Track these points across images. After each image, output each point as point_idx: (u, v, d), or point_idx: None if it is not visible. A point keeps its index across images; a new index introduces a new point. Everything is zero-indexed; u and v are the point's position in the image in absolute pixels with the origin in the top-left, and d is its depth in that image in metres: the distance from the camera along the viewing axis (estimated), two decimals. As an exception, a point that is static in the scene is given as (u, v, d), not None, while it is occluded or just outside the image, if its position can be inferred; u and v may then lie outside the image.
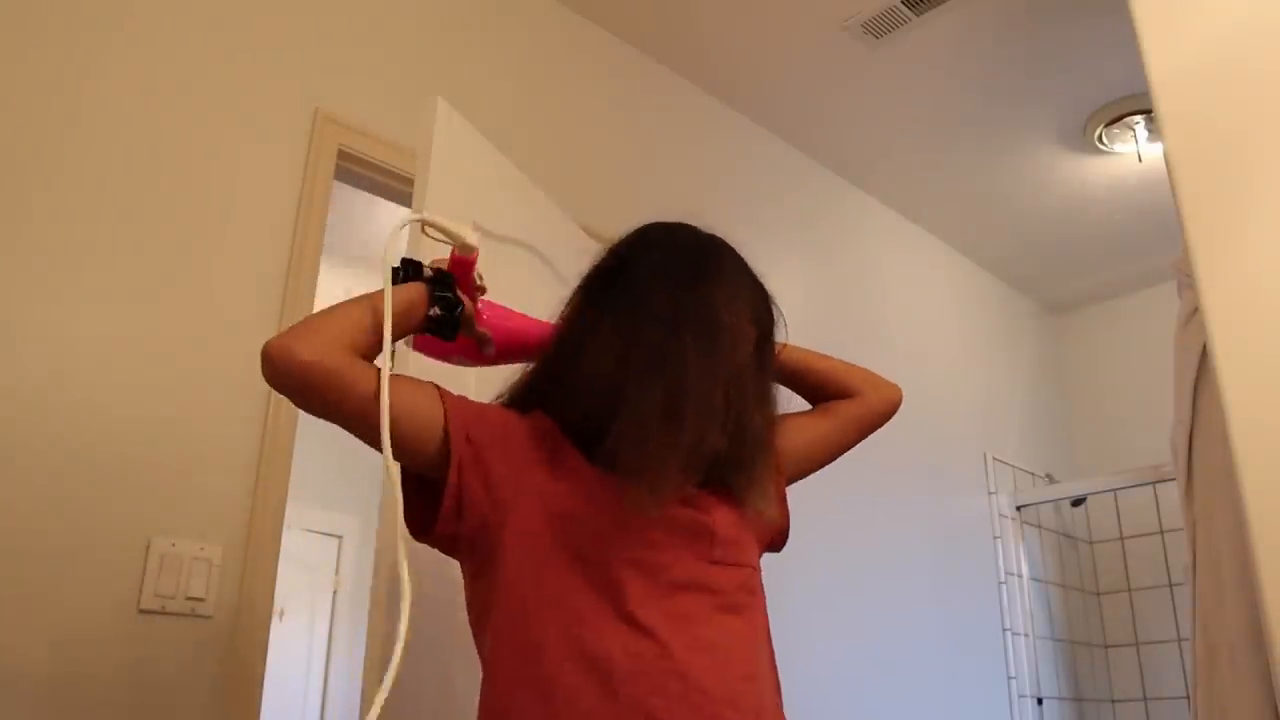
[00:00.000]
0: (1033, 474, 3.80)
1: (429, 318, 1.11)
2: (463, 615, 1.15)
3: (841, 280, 3.32)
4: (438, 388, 1.10)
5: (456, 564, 1.16)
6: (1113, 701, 3.62)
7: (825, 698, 2.61)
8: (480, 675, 1.07)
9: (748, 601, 1.10)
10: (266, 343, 0.98)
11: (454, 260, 1.21)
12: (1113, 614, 3.75)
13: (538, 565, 1.02)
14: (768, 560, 1.25)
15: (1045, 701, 3.34)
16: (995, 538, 3.48)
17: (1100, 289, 4.12)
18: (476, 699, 1.08)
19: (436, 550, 1.14)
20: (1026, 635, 3.39)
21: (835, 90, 3.01)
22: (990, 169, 3.33)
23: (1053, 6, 2.66)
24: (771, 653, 1.14)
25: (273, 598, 1.71)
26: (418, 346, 1.21)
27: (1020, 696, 3.28)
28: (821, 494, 2.87)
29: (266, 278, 1.84)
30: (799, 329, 3.19)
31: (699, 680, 0.96)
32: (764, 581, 1.18)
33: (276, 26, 2.02)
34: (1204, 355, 1.55)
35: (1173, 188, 1.36)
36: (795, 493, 1.40)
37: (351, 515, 5.45)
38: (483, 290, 1.24)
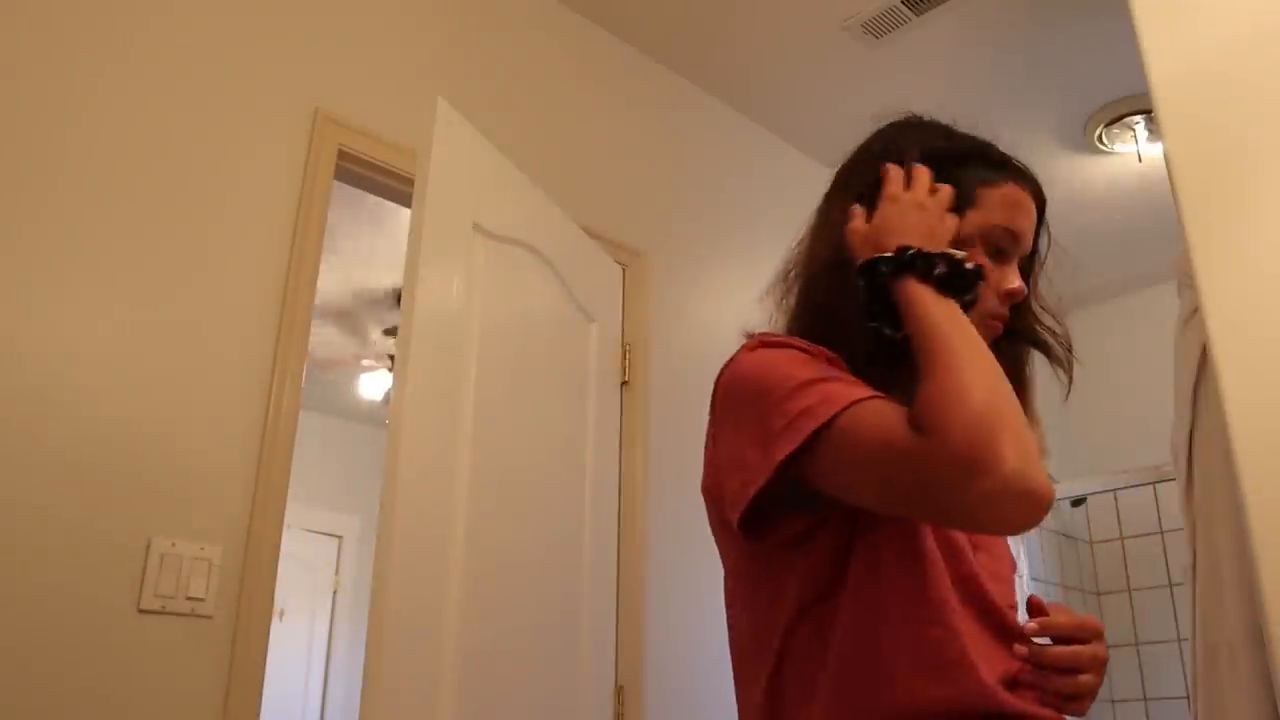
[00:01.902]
0: (1032, 474, 3.79)
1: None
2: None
3: (841, 280, 3.32)
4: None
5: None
6: (1112, 702, 3.62)
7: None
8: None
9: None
10: (1038, 488, 0.78)
11: None
12: (1112, 614, 3.75)
13: None
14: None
15: (1045, 701, 3.33)
16: (996, 538, 3.48)
17: (1100, 289, 4.12)
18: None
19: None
20: (1027, 635, 3.38)
21: (835, 90, 3.01)
22: (990, 169, 3.32)
23: (1053, 6, 2.66)
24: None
25: (273, 598, 1.71)
26: None
27: (1020, 696, 3.27)
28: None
29: (266, 277, 1.84)
30: (799, 329, 3.18)
31: None
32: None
33: (276, 26, 2.02)
34: (1204, 355, 1.54)
35: (1173, 188, 1.36)
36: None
37: (351, 515, 5.46)
38: None
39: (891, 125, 1.06)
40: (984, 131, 1.07)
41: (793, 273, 1.04)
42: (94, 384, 1.61)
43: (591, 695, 2.00)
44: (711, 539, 0.97)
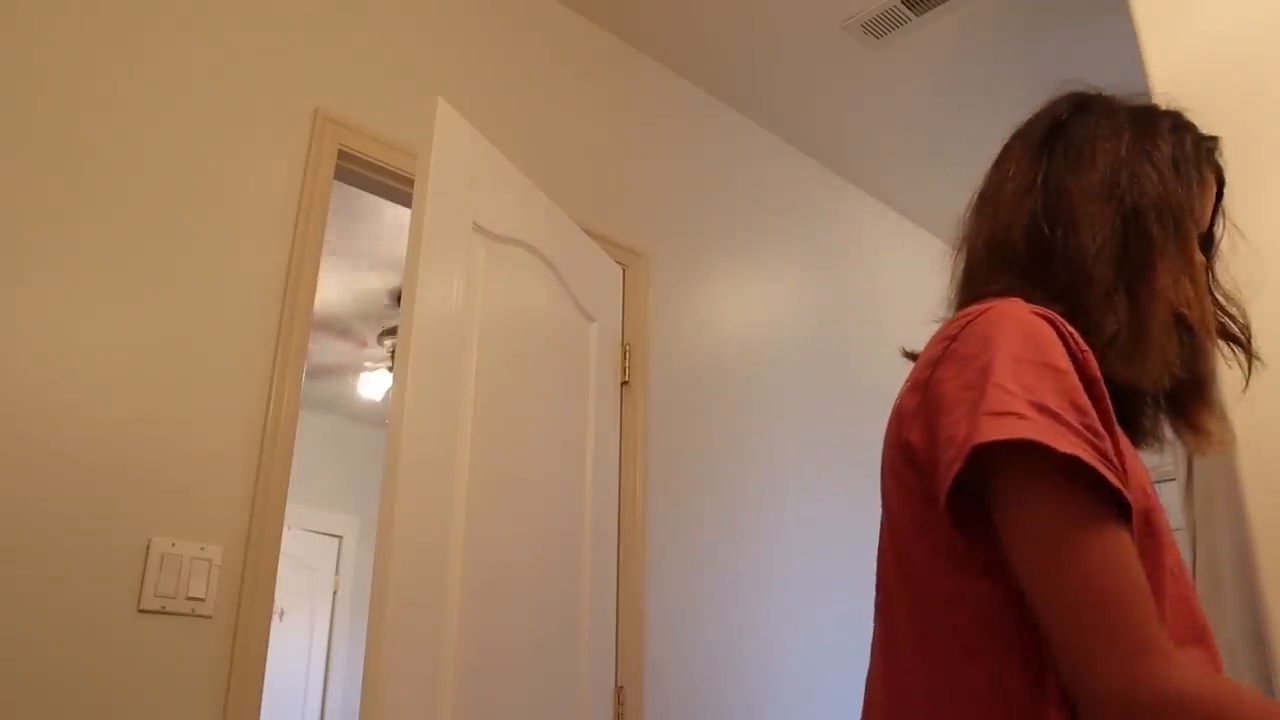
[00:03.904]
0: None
1: None
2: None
3: (841, 280, 3.32)
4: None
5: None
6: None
7: (824, 693, 2.62)
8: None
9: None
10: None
11: None
12: (1113, 614, 3.74)
13: None
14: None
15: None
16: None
17: (1100, 289, 4.11)
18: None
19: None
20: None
21: (835, 90, 3.01)
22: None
23: (1052, 6, 2.66)
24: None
25: (273, 598, 1.71)
26: None
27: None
28: (828, 495, 2.88)
29: (267, 277, 1.84)
30: (798, 329, 3.20)
31: None
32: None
33: (276, 27, 2.02)
34: (1204, 355, 1.54)
35: (1173, 188, 1.36)
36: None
37: (351, 515, 5.46)
38: None
39: (1078, 95, 1.00)
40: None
41: (981, 240, 0.93)
42: (94, 384, 1.61)
43: (591, 696, 2.00)
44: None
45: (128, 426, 1.62)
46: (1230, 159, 1.34)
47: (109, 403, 1.61)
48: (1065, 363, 0.74)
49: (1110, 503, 0.70)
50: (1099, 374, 0.76)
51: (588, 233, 2.35)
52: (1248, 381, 0.98)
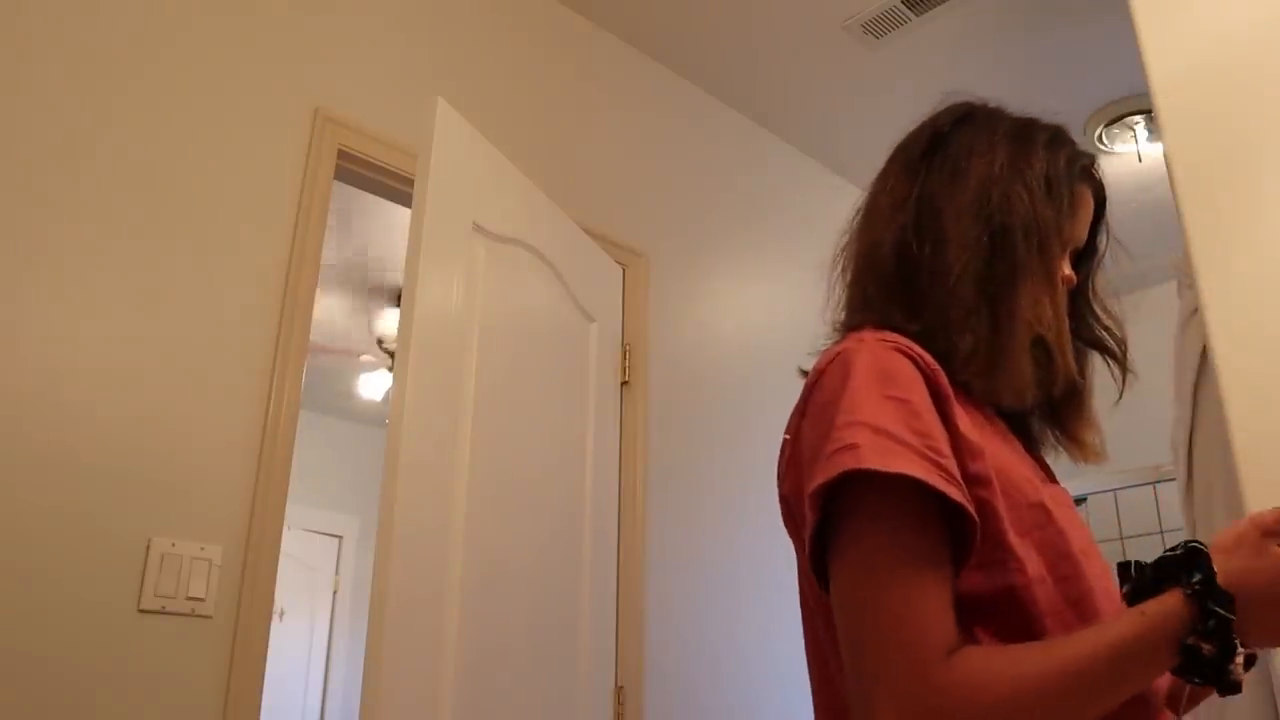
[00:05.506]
0: (1033, 474, 3.79)
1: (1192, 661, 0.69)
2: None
3: (841, 280, 3.32)
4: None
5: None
6: (1113, 701, 3.61)
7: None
8: None
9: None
10: None
11: None
12: (1112, 614, 3.73)
13: None
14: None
15: (1045, 701, 3.32)
16: (995, 538, 3.47)
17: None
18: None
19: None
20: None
21: (835, 90, 3.01)
22: (990, 169, 3.33)
23: (1053, 7, 2.66)
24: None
25: (273, 598, 1.71)
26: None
27: (1020, 696, 3.26)
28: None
29: (267, 277, 1.84)
30: (798, 330, 3.19)
31: None
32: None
33: (276, 27, 2.02)
34: (1204, 355, 1.55)
35: (1173, 188, 1.36)
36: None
37: (351, 515, 5.46)
38: None
39: (963, 106, 1.03)
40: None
41: (855, 251, 0.94)
42: (94, 384, 1.61)
43: (591, 695, 2.00)
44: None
45: (128, 426, 1.62)
46: (1230, 159, 1.34)
47: (109, 403, 1.61)
48: (910, 392, 0.74)
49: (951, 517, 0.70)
50: (950, 391, 0.77)
51: (588, 233, 2.35)
52: (1121, 394, 0.98)
